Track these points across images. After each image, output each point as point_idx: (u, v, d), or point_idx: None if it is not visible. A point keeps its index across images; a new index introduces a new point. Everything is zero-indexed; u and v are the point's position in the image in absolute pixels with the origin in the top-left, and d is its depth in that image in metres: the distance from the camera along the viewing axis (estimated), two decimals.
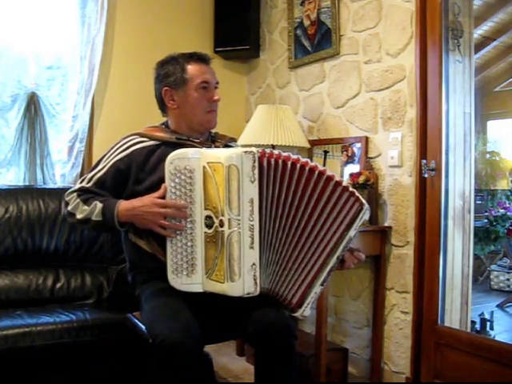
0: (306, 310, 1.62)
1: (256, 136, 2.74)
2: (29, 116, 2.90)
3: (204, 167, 1.55)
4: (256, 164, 1.53)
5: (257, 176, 1.54)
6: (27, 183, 2.88)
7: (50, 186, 2.88)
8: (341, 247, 1.58)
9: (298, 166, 1.55)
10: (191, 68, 1.79)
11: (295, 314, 1.62)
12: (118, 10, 3.15)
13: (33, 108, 2.90)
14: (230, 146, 1.90)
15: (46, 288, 2.44)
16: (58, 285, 2.47)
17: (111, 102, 3.13)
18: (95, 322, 2.14)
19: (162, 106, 1.87)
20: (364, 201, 1.60)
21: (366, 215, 1.60)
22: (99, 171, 1.76)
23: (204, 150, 1.62)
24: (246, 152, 1.54)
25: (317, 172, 1.55)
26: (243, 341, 2.90)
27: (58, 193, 2.62)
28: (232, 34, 3.40)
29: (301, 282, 1.59)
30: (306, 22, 3.08)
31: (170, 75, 1.81)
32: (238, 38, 3.42)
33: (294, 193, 1.55)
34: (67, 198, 1.76)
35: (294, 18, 3.17)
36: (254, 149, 1.56)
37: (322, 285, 1.60)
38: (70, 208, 1.73)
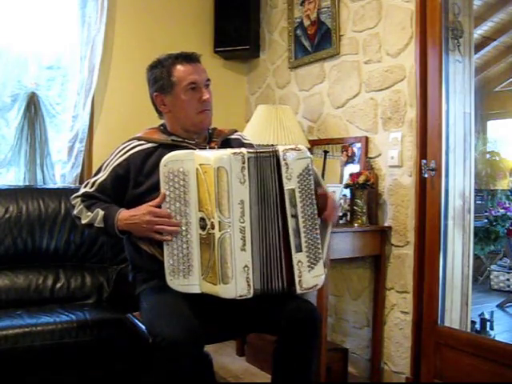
0: (306, 282, 1.58)
1: (256, 136, 2.74)
2: (29, 116, 2.90)
3: (197, 169, 1.56)
4: (246, 165, 1.54)
5: (247, 177, 1.54)
6: (27, 183, 2.88)
7: (50, 185, 2.88)
8: (287, 205, 1.57)
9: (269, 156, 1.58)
10: (177, 70, 1.78)
11: (298, 292, 1.59)
12: (118, 10, 3.15)
13: (33, 108, 2.90)
14: (230, 140, 1.91)
15: (46, 288, 2.44)
16: (58, 285, 2.47)
17: (111, 102, 3.13)
18: (95, 322, 2.13)
19: (157, 110, 1.88)
20: (285, 147, 1.60)
21: (291, 156, 1.57)
22: (101, 176, 1.79)
23: (197, 151, 1.62)
24: (234, 153, 1.54)
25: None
26: (243, 341, 2.90)
27: (58, 193, 2.62)
28: (232, 34, 3.40)
29: (279, 263, 1.58)
30: (306, 22, 3.08)
31: (157, 80, 1.81)
32: (238, 38, 3.41)
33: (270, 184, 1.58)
34: (73, 202, 1.81)
35: (294, 18, 3.17)
36: (243, 150, 1.57)
37: (300, 251, 1.57)
38: (75, 212, 1.78)
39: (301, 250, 1.59)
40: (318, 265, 1.61)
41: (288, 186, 1.57)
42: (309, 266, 1.60)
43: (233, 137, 1.94)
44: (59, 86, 3.03)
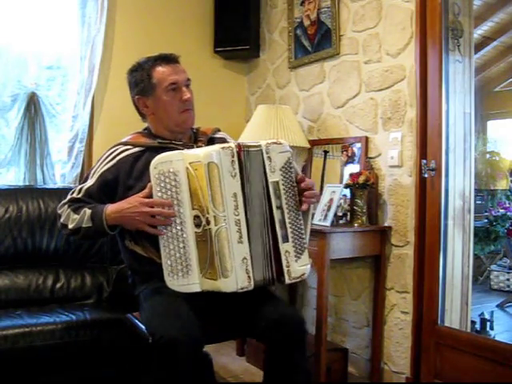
0: (294, 271, 1.63)
1: (256, 136, 2.74)
2: (29, 116, 2.90)
3: (187, 168, 1.58)
4: (235, 158, 1.57)
5: (237, 170, 1.57)
6: (27, 183, 2.88)
7: (50, 185, 2.88)
8: (272, 197, 1.61)
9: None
10: (157, 72, 1.79)
11: (286, 282, 1.63)
12: (118, 10, 3.15)
13: (33, 108, 2.90)
14: (215, 139, 1.92)
15: (46, 288, 2.44)
16: (58, 285, 2.47)
17: (111, 101, 3.12)
18: (95, 322, 2.14)
19: (140, 113, 1.88)
20: (267, 141, 1.64)
21: (274, 150, 1.62)
22: (88, 183, 1.79)
23: (185, 151, 1.65)
24: (223, 148, 1.57)
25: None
26: (243, 341, 2.90)
27: (58, 193, 2.62)
28: (232, 34, 3.40)
29: (272, 254, 1.62)
30: (306, 22, 3.08)
31: (138, 83, 1.82)
32: (238, 38, 3.41)
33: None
34: (59, 211, 1.78)
35: (294, 18, 3.17)
36: (231, 144, 1.60)
37: (286, 241, 1.62)
38: (62, 220, 1.76)
39: (287, 241, 1.63)
40: (304, 254, 1.66)
41: (272, 178, 1.62)
42: (295, 256, 1.64)
43: (217, 136, 1.96)
44: (59, 86, 3.03)
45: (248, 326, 1.70)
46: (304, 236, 1.68)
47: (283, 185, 1.63)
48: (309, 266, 1.68)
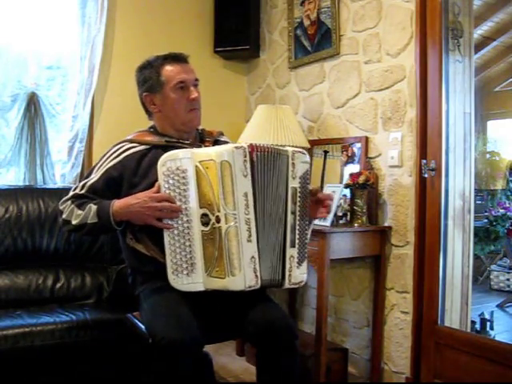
0: (294, 277, 1.66)
1: (256, 136, 2.74)
2: (29, 116, 2.89)
3: (196, 166, 1.58)
4: (247, 158, 1.59)
5: (249, 170, 1.59)
6: (27, 183, 2.88)
7: (50, 185, 2.88)
8: (289, 202, 1.65)
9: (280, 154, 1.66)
10: (166, 70, 1.80)
11: (285, 286, 1.66)
12: (118, 10, 3.15)
13: (33, 108, 2.90)
14: (219, 141, 1.93)
15: (46, 288, 2.44)
16: (58, 285, 2.47)
17: (111, 101, 3.13)
18: (95, 322, 2.14)
19: (146, 111, 1.89)
20: (293, 149, 1.70)
21: (298, 158, 1.68)
22: (92, 178, 1.78)
23: (195, 149, 1.66)
24: (236, 147, 1.58)
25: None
26: (243, 341, 2.90)
27: (58, 193, 2.62)
28: (232, 34, 3.40)
29: (278, 256, 1.64)
30: (306, 22, 3.08)
31: (147, 80, 1.83)
32: (238, 38, 3.41)
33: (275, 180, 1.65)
34: (61, 207, 1.77)
35: (294, 18, 3.17)
36: (244, 144, 1.61)
37: (293, 246, 1.65)
38: (64, 216, 1.74)
39: (294, 246, 1.66)
40: (304, 263, 1.70)
41: (292, 184, 1.66)
42: (297, 263, 1.67)
43: (222, 139, 1.97)
44: (59, 86, 3.03)
45: (240, 328, 1.70)
46: (307, 246, 1.72)
47: (300, 192, 1.68)
48: (306, 276, 1.72)
